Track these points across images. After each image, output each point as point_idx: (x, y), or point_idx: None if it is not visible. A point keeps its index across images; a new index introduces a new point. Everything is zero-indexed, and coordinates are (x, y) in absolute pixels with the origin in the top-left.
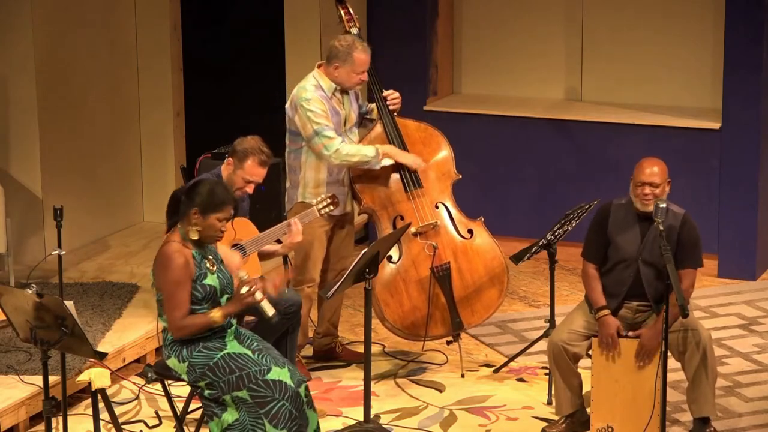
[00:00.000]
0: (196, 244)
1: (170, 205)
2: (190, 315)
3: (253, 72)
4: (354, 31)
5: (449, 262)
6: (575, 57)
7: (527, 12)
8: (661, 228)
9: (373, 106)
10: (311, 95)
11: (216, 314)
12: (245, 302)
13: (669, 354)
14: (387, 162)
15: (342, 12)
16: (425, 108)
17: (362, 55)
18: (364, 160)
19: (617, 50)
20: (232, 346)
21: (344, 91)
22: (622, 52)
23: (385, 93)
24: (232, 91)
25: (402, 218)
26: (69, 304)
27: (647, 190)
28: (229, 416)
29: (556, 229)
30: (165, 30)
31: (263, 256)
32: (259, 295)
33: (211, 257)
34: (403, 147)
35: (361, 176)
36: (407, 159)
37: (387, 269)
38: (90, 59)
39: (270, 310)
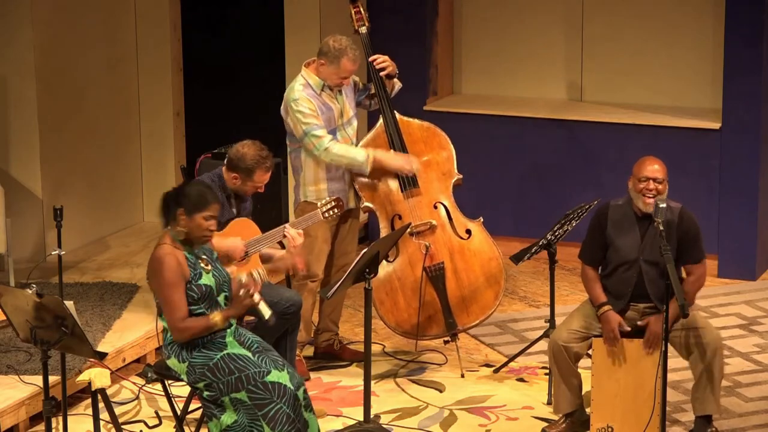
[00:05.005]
0: (187, 244)
1: (162, 207)
2: (191, 317)
3: (253, 72)
4: (363, 30)
5: (443, 262)
6: (575, 57)
7: (527, 12)
8: (661, 228)
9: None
10: (299, 95)
11: (217, 317)
12: (244, 305)
13: (675, 352)
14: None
15: (353, 11)
16: (425, 108)
17: (349, 64)
18: (354, 163)
19: (618, 50)
20: (232, 347)
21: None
22: (622, 52)
23: (371, 58)
24: (232, 91)
25: (400, 217)
26: (69, 304)
27: (651, 185)
28: (228, 418)
29: (556, 229)
30: (165, 30)
31: (266, 261)
32: (257, 297)
33: (205, 257)
34: (402, 145)
35: (361, 175)
36: (398, 164)
37: (383, 268)
38: (90, 60)
39: (267, 312)
